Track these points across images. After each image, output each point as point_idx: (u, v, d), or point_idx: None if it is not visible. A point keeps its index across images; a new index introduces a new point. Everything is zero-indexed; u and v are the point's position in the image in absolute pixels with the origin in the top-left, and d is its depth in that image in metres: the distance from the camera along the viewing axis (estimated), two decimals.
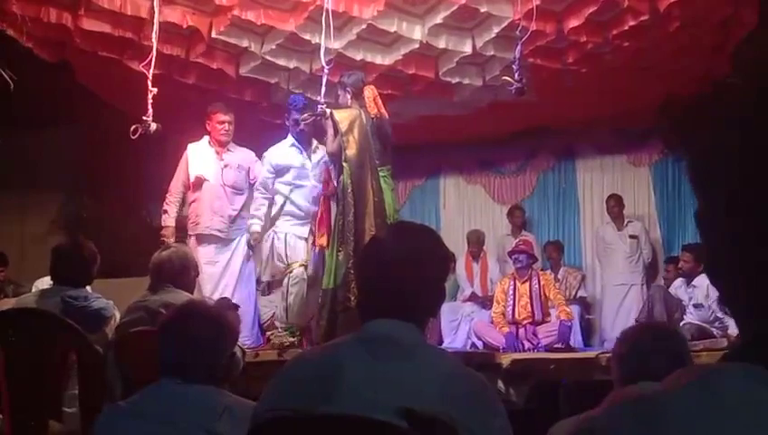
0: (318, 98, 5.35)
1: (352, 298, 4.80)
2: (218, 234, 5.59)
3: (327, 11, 5.45)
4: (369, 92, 5.34)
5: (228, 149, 5.72)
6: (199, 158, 5.64)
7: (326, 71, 5.39)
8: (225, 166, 5.65)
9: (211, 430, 1.98)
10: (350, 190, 5.07)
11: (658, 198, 8.21)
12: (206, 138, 5.71)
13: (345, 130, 5.14)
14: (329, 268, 5.12)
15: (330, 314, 5.00)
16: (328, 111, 5.26)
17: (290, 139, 5.58)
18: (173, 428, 1.99)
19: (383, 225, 4.96)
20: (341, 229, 5.09)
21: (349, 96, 5.33)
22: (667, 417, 0.78)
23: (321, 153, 5.58)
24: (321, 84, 5.39)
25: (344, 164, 5.13)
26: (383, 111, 5.33)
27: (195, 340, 2.12)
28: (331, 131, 5.26)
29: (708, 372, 0.82)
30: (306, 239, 5.49)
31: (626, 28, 5.93)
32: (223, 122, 5.64)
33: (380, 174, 5.25)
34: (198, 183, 5.59)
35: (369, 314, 1.67)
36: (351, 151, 5.12)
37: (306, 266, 5.39)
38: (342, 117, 5.20)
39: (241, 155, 5.78)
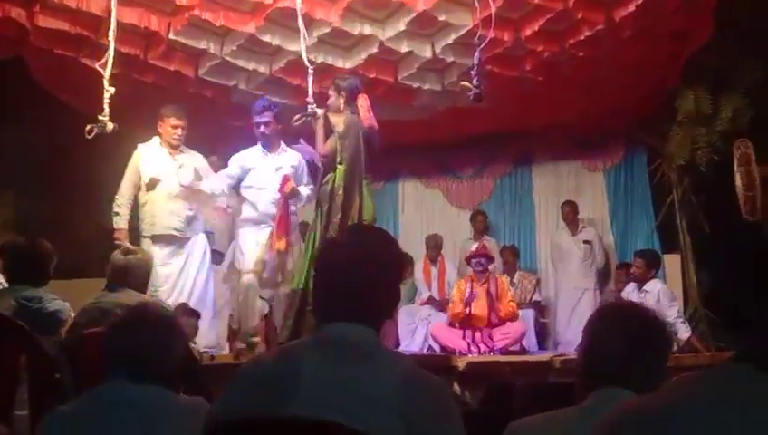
0: (308, 99, 5.33)
1: None
2: (176, 233, 5.53)
3: (299, 12, 5.46)
4: (363, 101, 5.34)
5: (181, 151, 5.66)
6: (152, 159, 5.56)
7: (310, 71, 5.39)
8: (181, 166, 5.60)
9: (156, 430, 1.96)
10: (340, 193, 5.08)
11: (612, 203, 8.36)
12: (157, 139, 5.62)
13: (342, 134, 5.15)
14: (301, 269, 5.11)
15: (297, 314, 5.00)
16: (319, 111, 5.26)
17: (258, 144, 5.58)
18: (117, 430, 1.97)
19: None
20: (324, 231, 5.07)
21: (342, 100, 5.30)
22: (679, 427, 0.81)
23: (286, 156, 5.57)
24: (308, 85, 5.38)
25: (338, 166, 5.13)
26: (374, 121, 5.34)
27: (142, 340, 2.10)
28: (321, 132, 5.26)
29: (715, 374, 0.87)
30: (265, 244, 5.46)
31: (581, 38, 6.04)
32: (176, 127, 5.56)
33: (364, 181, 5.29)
34: (153, 184, 5.51)
35: (324, 317, 1.69)
36: (347, 156, 5.13)
37: (258, 272, 5.37)
38: (339, 120, 5.20)
39: (192, 156, 5.73)
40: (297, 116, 5.35)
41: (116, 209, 5.49)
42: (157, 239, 5.52)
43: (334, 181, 5.12)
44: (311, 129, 5.40)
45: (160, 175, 5.52)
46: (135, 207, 5.58)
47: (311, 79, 5.38)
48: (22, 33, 5.86)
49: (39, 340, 3.34)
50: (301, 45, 5.48)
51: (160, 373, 2.08)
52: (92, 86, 5.27)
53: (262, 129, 5.44)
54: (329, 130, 5.24)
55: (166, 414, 2.00)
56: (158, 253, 5.43)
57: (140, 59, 6.31)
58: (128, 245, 5.25)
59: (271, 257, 5.40)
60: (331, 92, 5.36)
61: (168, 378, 2.11)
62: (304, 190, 5.50)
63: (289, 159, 5.55)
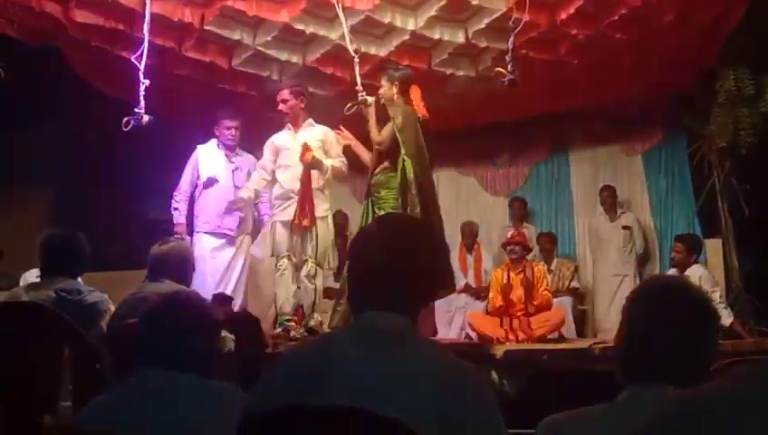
0: (357, 87, 5.40)
1: None
2: (229, 232, 5.87)
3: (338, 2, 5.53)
4: (416, 92, 5.34)
5: (237, 153, 5.98)
6: (210, 159, 5.91)
7: (356, 60, 5.46)
8: (236, 169, 5.93)
9: (184, 416, 1.96)
10: (414, 183, 5.09)
11: (651, 186, 8.21)
12: (214, 141, 5.98)
13: (401, 126, 5.16)
14: None
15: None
16: (370, 99, 5.26)
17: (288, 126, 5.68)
18: (146, 417, 1.98)
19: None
20: None
21: (395, 90, 5.30)
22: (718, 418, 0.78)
23: (312, 130, 5.58)
24: (356, 74, 5.45)
25: (405, 158, 5.13)
26: (426, 112, 5.34)
27: (172, 327, 2.10)
28: (373, 120, 5.28)
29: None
30: (289, 223, 5.50)
31: (616, 18, 5.93)
32: (230, 128, 5.92)
33: None
34: (210, 183, 5.84)
35: (359, 306, 1.68)
36: (412, 147, 5.16)
37: (290, 256, 5.40)
38: (396, 112, 5.21)
39: (247, 159, 6.04)
40: (349, 105, 5.38)
41: (175, 205, 5.89)
42: (211, 235, 5.85)
43: (405, 173, 5.10)
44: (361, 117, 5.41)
45: (217, 175, 5.85)
46: (191, 203, 5.94)
47: (357, 68, 5.46)
48: (58, 26, 5.95)
49: (82, 332, 3.39)
50: (345, 34, 5.57)
51: (192, 360, 2.09)
52: (131, 77, 5.33)
53: (280, 107, 5.54)
54: (381, 117, 5.24)
55: (194, 400, 2.00)
56: (209, 248, 5.78)
57: (175, 51, 6.36)
58: (186, 237, 5.53)
59: (297, 236, 5.44)
60: (383, 82, 5.36)
61: (201, 364, 2.11)
62: (329, 162, 5.45)
63: (313, 133, 5.55)
